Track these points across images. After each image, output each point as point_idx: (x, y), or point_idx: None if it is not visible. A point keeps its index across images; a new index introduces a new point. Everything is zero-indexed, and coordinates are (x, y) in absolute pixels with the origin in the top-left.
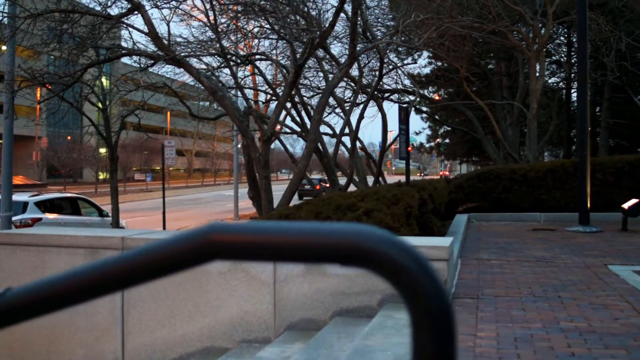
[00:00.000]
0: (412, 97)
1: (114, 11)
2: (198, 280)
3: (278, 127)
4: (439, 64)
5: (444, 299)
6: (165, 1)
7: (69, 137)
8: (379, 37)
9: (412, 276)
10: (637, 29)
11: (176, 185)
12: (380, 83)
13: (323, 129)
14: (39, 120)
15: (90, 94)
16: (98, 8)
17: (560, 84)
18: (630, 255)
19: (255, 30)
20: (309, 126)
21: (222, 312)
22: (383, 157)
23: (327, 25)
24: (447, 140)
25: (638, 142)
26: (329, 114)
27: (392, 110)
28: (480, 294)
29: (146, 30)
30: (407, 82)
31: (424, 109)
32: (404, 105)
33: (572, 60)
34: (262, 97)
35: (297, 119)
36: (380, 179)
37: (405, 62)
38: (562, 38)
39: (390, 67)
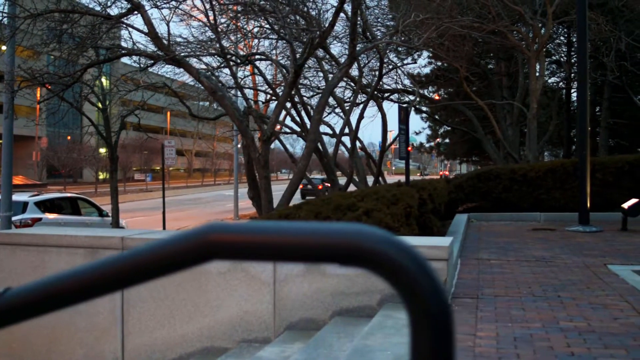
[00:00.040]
0: (412, 97)
1: (113, 11)
2: (198, 280)
3: (278, 127)
4: (439, 63)
5: (442, 298)
6: (165, 1)
7: (68, 137)
8: (378, 37)
9: (410, 276)
10: (637, 29)
11: (176, 185)
12: (380, 83)
13: (323, 128)
14: (38, 120)
15: (90, 94)
16: (98, 8)
17: (560, 83)
18: (630, 255)
19: (255, 30)
20: (308, 126)
21: (222, 312)
22: (383, 157)
23: (326, 25)
24: (447, 140)
25: (638, 141)
26: (329, 113)
27: (392, 110)
28: (479, 294)
29: (146, 30)
30: (407, 82)
31: (424, 108)
32: (404, 105)
33: (572, 60)
34: (262, 97)
35: (297, 118)
36: (380, 178)
37: (405, 62)
38: (562, 38)
39: (390, 67)
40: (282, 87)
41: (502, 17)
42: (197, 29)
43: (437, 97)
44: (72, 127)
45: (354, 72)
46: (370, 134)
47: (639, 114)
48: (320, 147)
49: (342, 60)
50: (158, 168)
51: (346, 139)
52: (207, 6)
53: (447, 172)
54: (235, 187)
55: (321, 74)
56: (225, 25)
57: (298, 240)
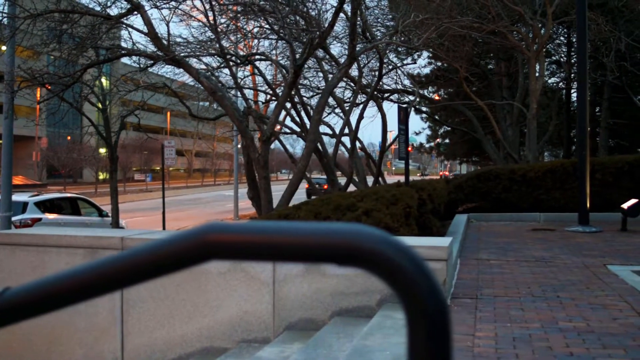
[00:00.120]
0: (411, 97)
1: (113, 11)
2: (197, 281)
3: (278, 127)
4: (439, 64)
5: (439, 299)
6: (164, 1)
7: (68, 137)
8: (378, 37)
9: (408, 276)
10: (637, 29)
11: (176, 186)
12: (380, 83)
13: (323, 129)
14: (38, 121)
15: (90, 94)
16: (98, 8)
17: (560, 84)
18: (629, 255)
19: (255, 30)
20: (308, 126)
21: (222, 312)
22: (382, 157)
23: (326, 25)
24: (447, 141)
25: (638, 142)
26: (329, 114)
27: (391, 110)
28: (479, 294)
29: (146, 30)
30: (406, 82)
31: (424, 109)
32: (404, 106)
33: (572, 60)
34: (262, 97)
35: (297, 119)
36: (379, 179)
37: (405, 62)
38: (561, 38)
39: (390, 67)
40: (282, 88)
41: (502, 17)
42: (196, 29)
43: (437, 98)
44: (72, 127)
45: (354, 72)
46: (370, 134)
47: (639, 114)
48: (320, 147)
49: (342, 60)
50: (158, 168)
51: (346, 139)
52: (207, 6)
53: (447, 173)
54: (235, 188)
55: (321, 74)
56: (225, 25)
57: (296, 240)
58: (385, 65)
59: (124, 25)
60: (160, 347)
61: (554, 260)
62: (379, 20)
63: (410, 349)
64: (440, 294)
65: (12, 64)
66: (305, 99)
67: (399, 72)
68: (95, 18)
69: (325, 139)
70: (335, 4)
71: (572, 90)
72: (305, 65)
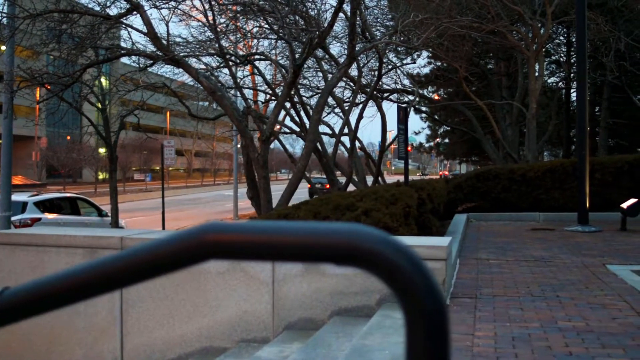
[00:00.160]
0: (411, 97)
1: (112, 11)
2: (197, 280)
3: (277, 127)
4: (438, 63)
5: (437, 298)
6: (164, 1)
7: (68, 137)
8: (378, 37)
9: (406, 275)
10: (636, 29)
11: (176, 185)
12: (380, 83)
13: (322, 128)
14: (38, 120)
15: (90, 94)
16: (97, 8)
17: (560, 83)
18: (628, 255)
19: (255, 30)
20: (308, 126)
21: (221, 312)
22: (382, 156)
23: (325, 25)
24: (446, 140)
25: (637, 141)
26: (328, 113)
27: (391, 110)
28: (478, 294)
29: (145, 30)
30: (406, 82)
31: (424, 108)
32: (403, 105)
33: (572, 60)
34: (261, 97)
35: (296, 118)
36: (379, 178)
37: (405, 62)
38: (561, 38)
39: (390, 67)
40: (282, 87)
41: (502, 17)
42: (196, 29)
43: (436, 97)
44: (71, 127)
45: (353, 72)
46: (369, 134)
47: (639, 114)
48: (319, 147)
49: (342, 60)
50: (157, 168)
51: (345, 139)
52: (206, 6)
53: (446, 172)
54: (234, 187)
55: (320, 74)
56: (224, 25)
57: (294, 239)
58: (384, 65)
59: (124, 25)
60: (160, 347)
61: (554, 260)
62: (378, 20)
63: (408, 349)
64: (438, 293)
65: (12, 63)
66: (304, 98)
67: (399, 71)
68: (94, 18)
69: (325, 138)
70: (334, 4)
71: (572, 90)
72: (305, 65)
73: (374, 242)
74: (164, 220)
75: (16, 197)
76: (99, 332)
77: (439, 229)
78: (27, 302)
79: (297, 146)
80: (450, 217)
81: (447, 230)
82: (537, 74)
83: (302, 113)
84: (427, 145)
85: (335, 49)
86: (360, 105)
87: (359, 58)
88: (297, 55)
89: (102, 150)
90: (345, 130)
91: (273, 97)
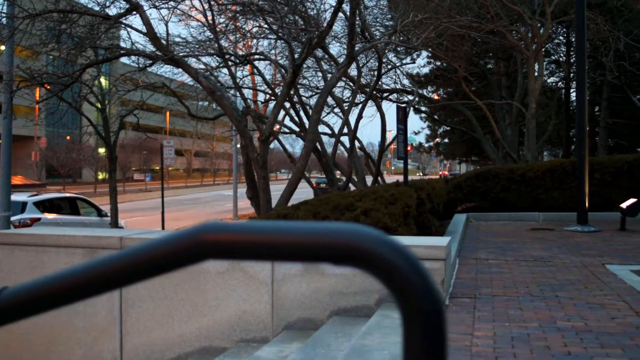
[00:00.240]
0: (410, 97)
1: (112, 11)
2: (196, 280)
3: (277, 127)
4: (438, 63)
5: (434, 298)
6: (163, 1)
7: (68, 137)
8: (377, 37)
9: (403, 275)
10: (636, 29)
11: (175, 185)
12: (379, 83)
13: (322, 128)
14: (37, 120)
15: (89, 94)
16: (96, 8)
17: (559, 83)
18: (628, 255)
19: (254, 30)
20: (307, 126)
21: (220, 312)
22: (382, 156)
23: (325, 25)
24: (446, 140)
25: (637, 141)
26: (328, 113)
27: (391, 110)
28: (477, 294)
29: (145, 30)
30: (406, 81)
31: (423, 108)
32: (402, 105)
33: (571, 60)
34: (261, 97)
35: (296, 118)
36: (378, 178)
37: (404, 62)
38: (561, 38)
39: (389, 67)
40: (281, 87)
41: (501, 17)
42: (195, 29)
43: (436, 97)
44: (71, 127)
45: (353, 72)
46: (369, 133)
47: (638, 114)
48: (319, 147)
49: (341, 60)
50: (157, 168)
51: (345, 139)
52: (206, 6)
53: (446, 172)
54: (234, 187)
55: (320, 74)
56: (223, 25)
57: (291, 239)
58: (384, 65)
59: (123, 25)
60: (159, 347)
61: (553, 260)
62: (377, 20)
63: (405, 349)
64: (435, 293)
65: (11, 63)
66: (304, 98)
67: (398, 71)
68: (94, 18)
69: (325, 138)
70: (334, 4)
71: (571, 90)
72: (304, 65)
73: (371, 242)
74: (164, 220)
75: (16, 197)
76: (99, 332)
77: (438, 229)
78: (26, 302)
79: (296, 146)
80: (450, 217)
81: (446, 230)
82: (536, 73)
83: (302, 113)
84: (426, 145)
85: (335, 48)
86: (360, 105)
87: (359, 58)
88: (296, 55)
89: (101, 150)
90: (345, 130)
91: (272, 97)
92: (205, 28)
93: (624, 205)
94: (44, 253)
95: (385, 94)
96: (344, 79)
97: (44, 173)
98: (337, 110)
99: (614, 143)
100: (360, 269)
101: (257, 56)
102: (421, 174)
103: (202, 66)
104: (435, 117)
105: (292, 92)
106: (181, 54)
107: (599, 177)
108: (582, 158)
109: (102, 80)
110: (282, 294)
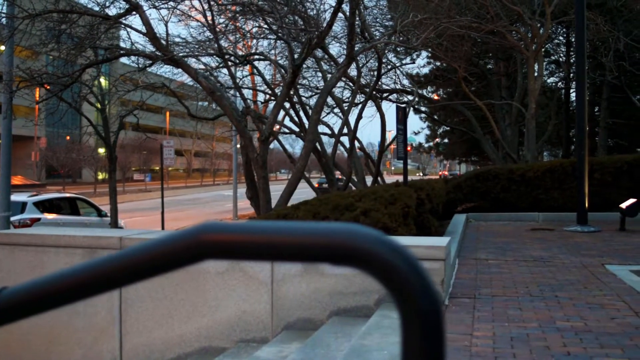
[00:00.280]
0: (410, 97)
1: (112, 11)
2: (196, 280)
3: (276, 127)
4: (438, 64)
5: (433, 298)
6: (163, 1)
7: (67, 137)
8: (377, 37)
9: (401, 275)
10: (636, 29)
11: (175, 186)
12: (379, 83)
13: (321, 128)
14: (37, 121)
15: (89, 94)
16: (96, 8)
17: (559, 83)
18: (627, 255)
19: (254, 30)
20: (307, 126)
21: (220, 312)
22: (381, 157)
23: (325, 25)
24: (446, 140)
25: (637, 141)
26: (328, 114)
27: (390, 110)
28: (477, 294)
29: (144, 30)
30: (405, 82)
31: (423, 109)
32: (402, 105)
33: (571, 60)
34: (260, 97)
35: (296, 119)
36: (378, 178)
37: (404, 62)
38: (560, 38)
39: (389, 67)
40: (281, 87)
41: (501, 17)
42: (195, 29)
43: (435, 97)
44: (71, 127)
45: (353, 72)
46: (369, 134)
47: (638, 114)
48: (318, 147)
49: (341, 60)
50: (157, 168)
51: (345, 139)
52: (206, 6)
53: (445, 172)
54: (234, 187)
55: (320, 74)
56: (223, 25)
57: (291, 239)
58: (384, 65)
59: (123, 25)
60: (159, 347)
61: (553, 260)
62: (377, 20)
63: (404, 349)
64: (433, 293)
65: (11, 63)
66: (304, 98)
67: (398, 71)
68: (93, 18)
69: (324, 138)
70: (333, 4)
71: (571, 90)
72: (304, 65)
73: (369, 242)
74: (164, 221)
75: (15, 197)
76: (98, 332)
77: (438, 229)
78: (26, 302)
79: (296, 146)
80: (450, 217)
81: (446, 230)
82: (536, 74)
83: (302, 113)
84: (426, 145)
85: (335, 49)
86: (360, 105)
87: (358, 58)
88: (296, 56)
89: (101, 151)
90: (345, 130)
91: (272, 97)
92: (205, 28)
93: (623, 205)
94: (43, 253)
95: (385, 94)
96: (343, 79)
97: (43, 173)
98: (337, 110)
99: (614, 143)
100: (359, 269)
101: (256, 56)
102: (421, 174)
103: (201, 66)
104: (435, 117)
105: (292, 92)
106: (181, 54)
107: (599, 177)
108: (581, 158)
109: (102, 80)
110: (282, 294)
